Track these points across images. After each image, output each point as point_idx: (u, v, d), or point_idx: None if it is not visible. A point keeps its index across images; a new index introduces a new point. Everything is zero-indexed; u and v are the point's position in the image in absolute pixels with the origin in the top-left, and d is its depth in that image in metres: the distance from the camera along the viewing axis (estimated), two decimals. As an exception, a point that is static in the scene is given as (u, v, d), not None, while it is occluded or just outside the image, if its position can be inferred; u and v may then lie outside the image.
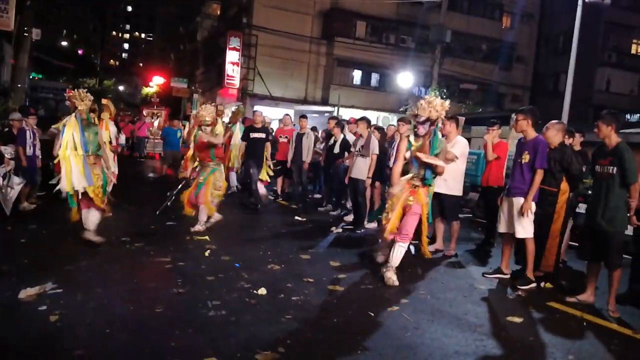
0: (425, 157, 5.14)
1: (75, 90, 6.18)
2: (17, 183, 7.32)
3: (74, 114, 5.82)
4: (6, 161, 7.51)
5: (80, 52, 47.55)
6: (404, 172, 5.51)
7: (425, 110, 5.16)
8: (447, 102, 5.28)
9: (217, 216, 7.23)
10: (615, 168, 4.77)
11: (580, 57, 17.31)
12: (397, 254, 5.27)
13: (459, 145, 6.74)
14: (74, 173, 5.65)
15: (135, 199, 9.75)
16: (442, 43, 22.37)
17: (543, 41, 32.59)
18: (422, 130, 5.23)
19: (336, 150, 9.29)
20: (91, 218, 5.88)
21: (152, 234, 6.77)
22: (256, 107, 24.92)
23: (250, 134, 9.68)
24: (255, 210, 9.16)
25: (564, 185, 5.77)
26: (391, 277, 5.21)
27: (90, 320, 3.72)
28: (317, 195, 11.29)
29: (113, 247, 5.89)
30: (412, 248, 7.21)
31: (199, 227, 6.97)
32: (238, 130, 11.14)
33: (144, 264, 5.36)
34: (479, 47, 29.62)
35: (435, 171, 5.26)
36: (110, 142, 8.69)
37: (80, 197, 5.78)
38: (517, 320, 4.46)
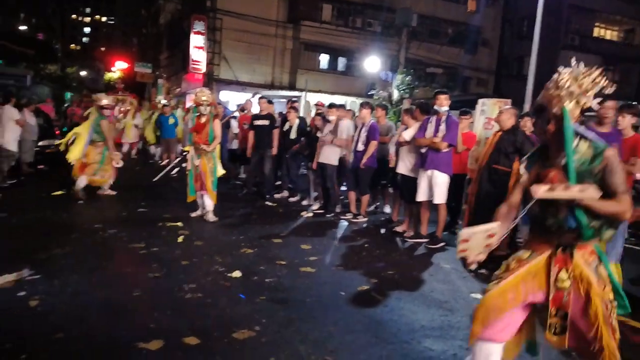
0: (544, 192, 2.35)
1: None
2: None
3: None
4: None
5: (40, 36, 45.91)
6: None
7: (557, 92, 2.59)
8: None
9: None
10: None
11: (544, 40, 17.67)
12: None
13: (411, 129, 6.98)
14: None
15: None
16: (408, 27, 22.52)
17: (507, 25, 33.14)
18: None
19: (292, 135, 9.18)
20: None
21: (125, 220, 6.80)
22: (223, 92, 24.89)
23: (255, 121, 9.41)
24: (263, 199, 9.15)
25: (516, 165, 6.08)
26: None
27: (69, 305, 3.80)
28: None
29: (86, 234, 5.92)
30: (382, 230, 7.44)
31: (212, 217, 7.07)
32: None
33: (118, 250, 5.42)
34: (444, 31, 29.92)
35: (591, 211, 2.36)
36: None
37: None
38: (479, 296, 4.71)
